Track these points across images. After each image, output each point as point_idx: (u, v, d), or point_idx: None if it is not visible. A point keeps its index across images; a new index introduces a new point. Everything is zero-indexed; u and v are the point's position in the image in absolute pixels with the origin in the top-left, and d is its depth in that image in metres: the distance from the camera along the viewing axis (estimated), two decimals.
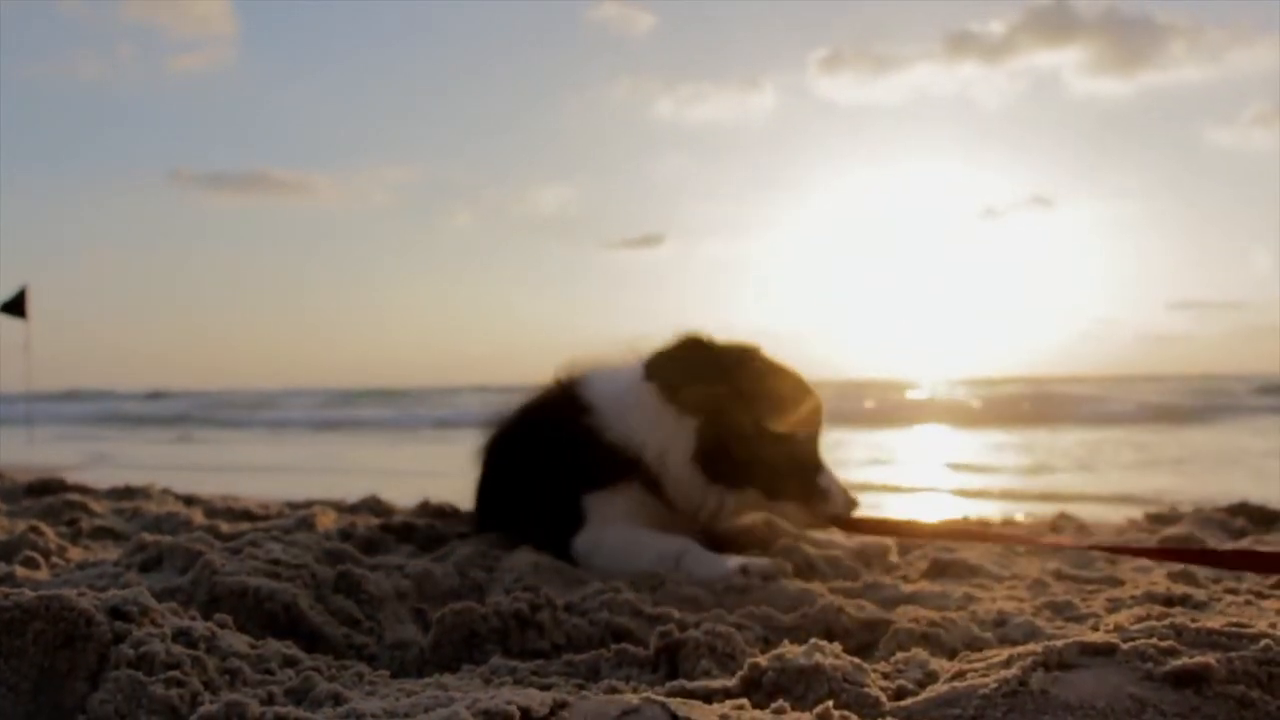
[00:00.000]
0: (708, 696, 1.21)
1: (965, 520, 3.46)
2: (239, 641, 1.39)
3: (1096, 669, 1.11)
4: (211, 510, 3.10)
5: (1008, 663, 1.16)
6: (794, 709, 1.11)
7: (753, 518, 2.45)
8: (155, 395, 34.17)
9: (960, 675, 1.17)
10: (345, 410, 22.55)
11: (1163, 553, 2.13)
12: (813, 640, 1.26)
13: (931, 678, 1.24)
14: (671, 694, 1.19)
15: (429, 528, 2.63)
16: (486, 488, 2.66)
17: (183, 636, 1.31)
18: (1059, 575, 2.17)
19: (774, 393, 2.33)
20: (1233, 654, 1.10)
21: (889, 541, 2.44)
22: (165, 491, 3.57)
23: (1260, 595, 1.85)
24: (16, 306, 11.15)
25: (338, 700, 1.22)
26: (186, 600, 1.64)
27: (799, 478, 2.36)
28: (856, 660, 1.23)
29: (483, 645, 1.58)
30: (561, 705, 1.11)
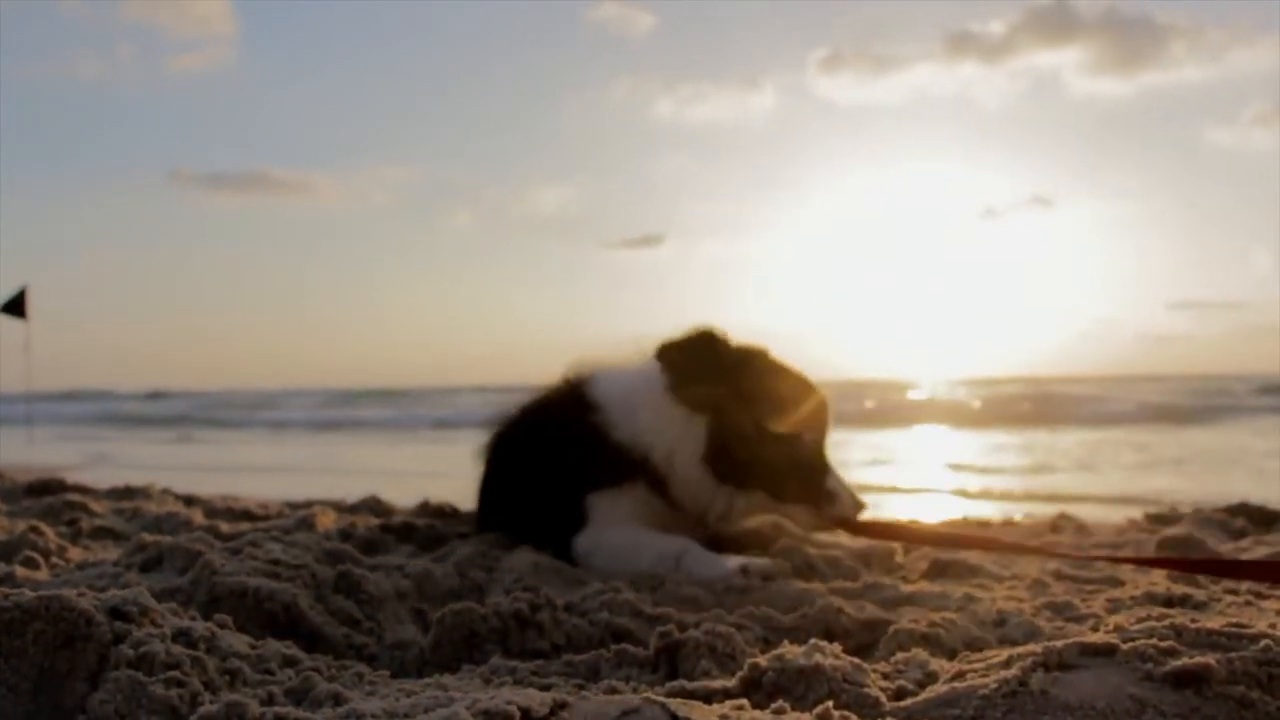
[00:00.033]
0: (708, 697, 1.21)
1: (966, 521, 3.46)
2: (239, 642, 1.39)
3: (1096, 669, 1.11)
4: (211, 510, 3.10)
5: (1007, 663, 1.16)
6: (794, 709, 1.11)
7: (759, 519, 2.45)
8: (155, 395, 34.19)
9: (960, 676, 1.17)
10: (345, 410, 22.55)
11: (1170, 563, 2.12)
12: (813, 640, 1.26)
13: (931, 678, 1.24)
14: (671, 694, 1.19)
15: (429, 528, 2.63)
16: (489, 486, 2.65)
17: (183, 637, 1.31)
18: (1059, 575, 2.17)
19: (783, 394, 2.33)
20: (1233, 654, 1.10)
21: (894, 545, 2.44)
22: (165, 492, 3.57)
23: (1260, 595, 1.85)
24: (16, 306, 11.15)
25: (338, 700, 1.22)
26: (186, 600, 1.64)
27: (807, 480, 2.35)
28: (856, 660, 1.23)
29: (483, 645, 1.58)
30: (561, 705, 1.11)
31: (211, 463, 9.89)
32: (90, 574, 1.90)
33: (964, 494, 6.03)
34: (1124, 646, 1.14)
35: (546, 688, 1.30)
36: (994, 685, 1.09)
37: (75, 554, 2.24)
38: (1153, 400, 17.95)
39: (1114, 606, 1.78)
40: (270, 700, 1.22)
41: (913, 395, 23.20)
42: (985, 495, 5.93)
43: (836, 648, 1.24)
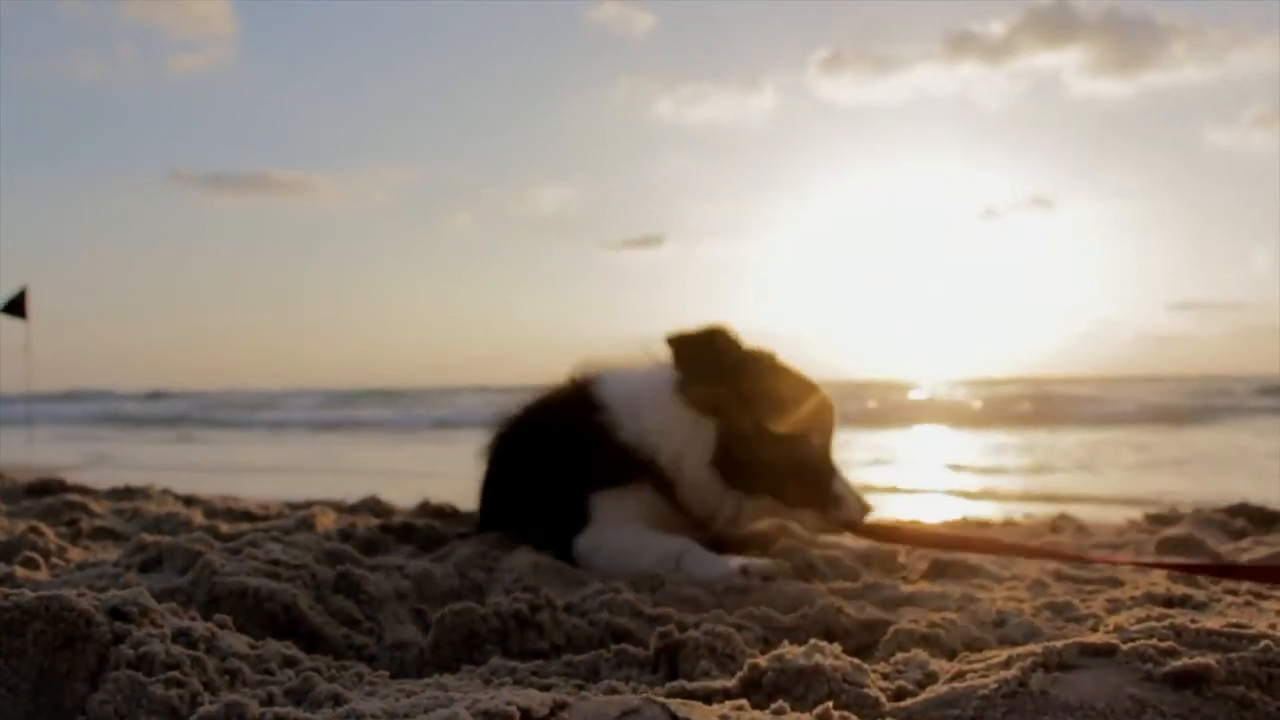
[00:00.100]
0: (707, 697, 1.21)
1: (966, 522, 3.46)
2: (239, 642, 1.39)
3: (1096, 670, 1.11)
4: (211, 511, 3.11)
5: (1007, 663, 1.16)
6: (794, 709, 1.11)
7: (766, 523, 2.45)
8: (155, 395, 34.19)
9: (960, 676, 1.17)
10: (345, 411, 22.55)
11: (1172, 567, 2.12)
12: (812, 641, 1.26)
13: (931, 678, 1.24)
14: (671, 694, 1.19)
15: (429, 528, 2.63)
16: (492, 484, 2.65)
17: (182, 637, 1.31)
18: (1059, 576, 2.17)
19: (790, 398, 2.33)
20: (1232, 655, 1.10)
21: (897, 547, 2.44)
22: (165, 492, 3.57)
23: (1260, 596, 1.85)
24: (16, 307, 11.16)
25: (337, 701, 1.22)
26: (186, 601, 1.64)
27: (815, 484, 2.36)
28: (856, 661, 1.23)
29: (482, 646, 1.58)
30: (561, 706, 1.11)
31: (211, 463, 9.89)
32: (90, 574, 1.90)
33: (964, 494, 6.03)
34: (1124, 647, 1.14)
35: (546, 688, 1.30)
36: (994, 685, 1.09)
37: (75, 554, 2.24)
38: (1153, 401, 17.95)
39: (1114, 607, 1.78)
40: (270, 700, 1.22)
41: (913, 396, 23.21)
42: (985, 496, 5.93)
43: (836, 648, 1.24)
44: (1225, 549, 2.47)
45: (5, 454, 9.47)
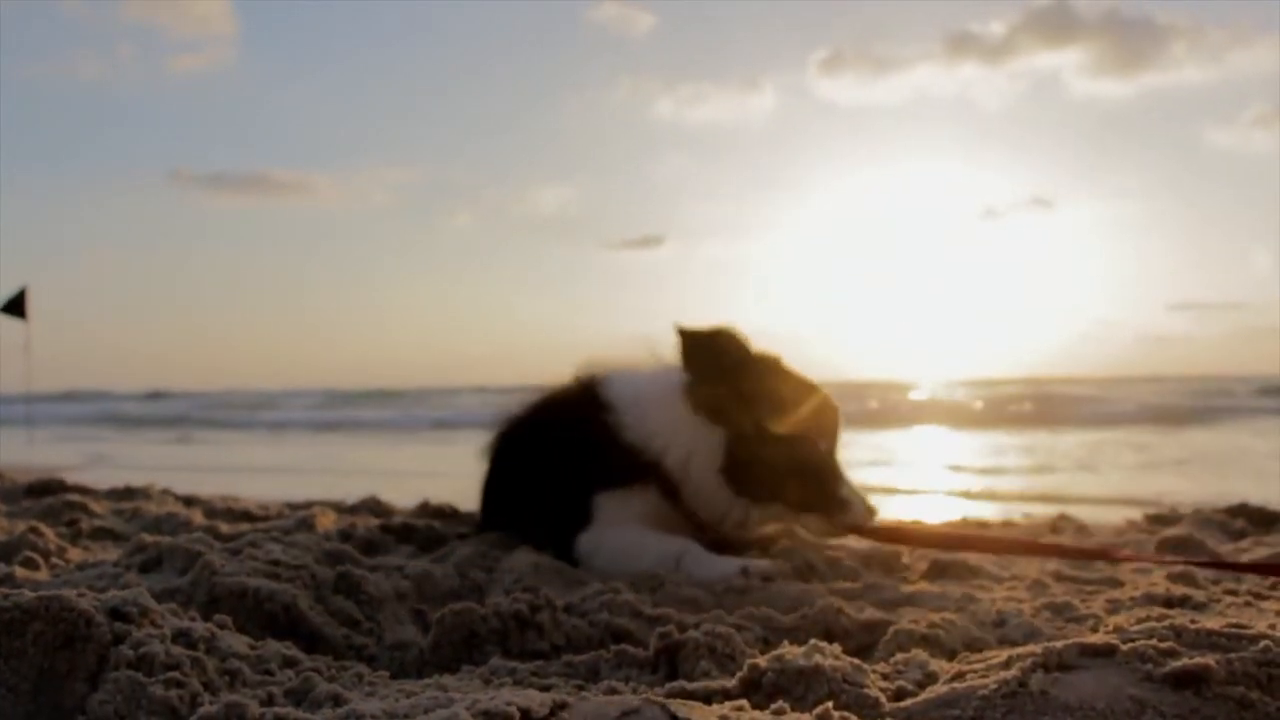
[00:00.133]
0: (707, 697, 1.21)
1: (966, 522, 3.46)
2: (239, 642, 1.39)
3: (1096, 670, 1.11)
4: (211, 511, 3.11)
5: (1007, 664, 1.16)
6: (794, 710, 1.11)
7: (771, 527, 2.45)
8: (155, 396, 34.19)
9: (960, 676, 1.17)
10: (345, 411, 22.55)
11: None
12: (812, 641, 1.26)
13: (931, 679, 1.24)
14: (671, 695, 1.19)
15: (429, 528, 2.63)
16: (494, 483, 2.64)
17: (182, 637, 1.31)
18: (1059, 576, 2.17)
19: (798, 403, 2.33)
20: (1232, 655, 1.10)
21: (902, 549, 2.44)
22: (165, 492, 3.57)
23: (1259, 596, 1.85)
24: (16, 307, 11.15)
25: (337, 701, 1.22)
26: (186, 601, 1.64)
27: (821, 489, 2.36)
28: (856, 661, 1.23)
29: (482, 646, 1.58)
30: (561, 706, 1.11)
31: (211, 463, 9.89)
32: (90, 574, 1.90)
33: (964, 495, 6.03)
34: (1124, 647, 1.14)
35: (546, 688, 1.30)
36: (994, 686, 1.09)
37: (75, 554, 2.24)
38: (1153, 401, 17.95)
39: (1114, 607, 1.78)
40: (270, 701, 1.22)
41: (913, 396, 23.21)
42: (985, 496, 5.93)
43: (836, 648, 1.24)
44: (1225, 549, 2.47)
45: (5, 454, 9.47)
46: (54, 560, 2.13)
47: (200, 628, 1.35)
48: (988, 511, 4.55)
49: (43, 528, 2.34)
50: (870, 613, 1.75)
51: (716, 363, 2.31)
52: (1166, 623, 1.23)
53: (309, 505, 3.24)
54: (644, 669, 1.43)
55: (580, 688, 1.33)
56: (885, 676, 1.26)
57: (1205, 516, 2.95)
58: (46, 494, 3.24)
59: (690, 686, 1.25)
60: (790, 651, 1.23)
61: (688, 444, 2.30)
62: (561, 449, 2.42)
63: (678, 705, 1.08)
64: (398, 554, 2.37)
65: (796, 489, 2.33)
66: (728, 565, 2.11)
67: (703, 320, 2.35)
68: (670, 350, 2.37)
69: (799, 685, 1.18)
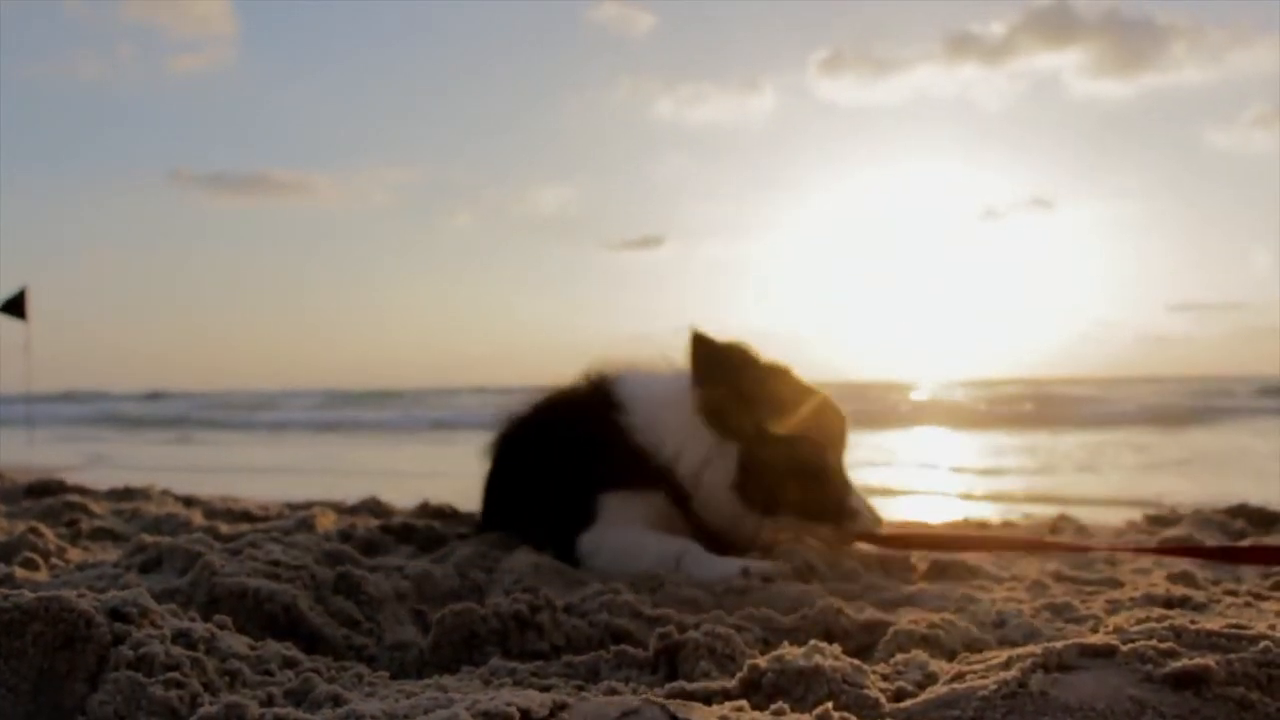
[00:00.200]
0: (707, 698, 1.21)
1: (966, 523, 3.46)
2: (238, 643, 1.39)
3: (1096, 670, 1.11)
4: (211, 511, 3.11)
5: (1007, 664, 1.16)
6: (793, 710, 1.11)
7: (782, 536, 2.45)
8: (154, 396, 34.19)
9: (959, 677, 1.17)
10: (345, 411, 22.55)
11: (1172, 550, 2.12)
12: (812, 642, 1.26)
13: (931, 679, 1.24)
14: (671, 695, 1.19)
15: (428, 529, 2.63)
16: (496, 482, 2.63)
17: (182, 638, 1.31)
18: (1058, 577, 2.17)
19: (809, 417, 2.33)
20: (1232, 656, 1.10)
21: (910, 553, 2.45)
22: (165, 493, 3.57)
23: (1259, 597, 1.85)
24: (16, 307, 11.14)
25: (337, 701, 1.21)
26: (186, 601, 1.64)
27: (831, 500, 2.37)
28: (856, 662, 1.23)
29: (482, 646, 1.58)
30: (561, 707, 1.11)
31: (211, 464, 9.89)
32: (90, 575, 1.90)
33: (964, 495, 6.03)
34: (1124, 648, 1.14)
35: (546, 689, 1.30)
36: (993, 686, 1.09)
37: (75, 555, 2.24)
38: (1153, 402, 17.96)
39: (1113, 608, 1.78)
40: (270, 701, 1.22)
41: (913, 397, 23.21)
42: (985, 497, 5.93)
43: (836, 649, 1.24)
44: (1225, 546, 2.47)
45: (5, 454, 9.47)
46: (54, 561, 2.13)
47: (200, 628, 1.35)
48: (988, 512, 4.55)
49: (42, 528, 2.34)
50: (870, 613, 1.75)
51: (726, 376, 2.30)
52: (1166, 623, 1.23)
53: (309, 506, 3.24)
54: (644, 669, 1.43)
55: (580, 688, 1.33)
56: (885, 677, 1.26)
57: (1205, 517, 2.95)
58: (46, 494, 3.24)
59: (690, 687, 1.25)
60: (790, 652, 1.23)
61: (702, 454, 2.29)
62: (568, 446, 2.40)
63: (678, 706, 1.08)
64: (398, 554, 2.37)
65: (805, 499, 2.33)
66: (728, 566, 2.11)
67: (712, 325, 2.34)
68: (679, 352, 2.36)
69: (799, 686, 1.18)
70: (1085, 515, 3.37)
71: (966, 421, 15.24)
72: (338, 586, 1.81)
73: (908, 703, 1.14)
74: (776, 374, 2.37)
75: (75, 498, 3.02)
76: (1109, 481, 6.81)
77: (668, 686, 1.27)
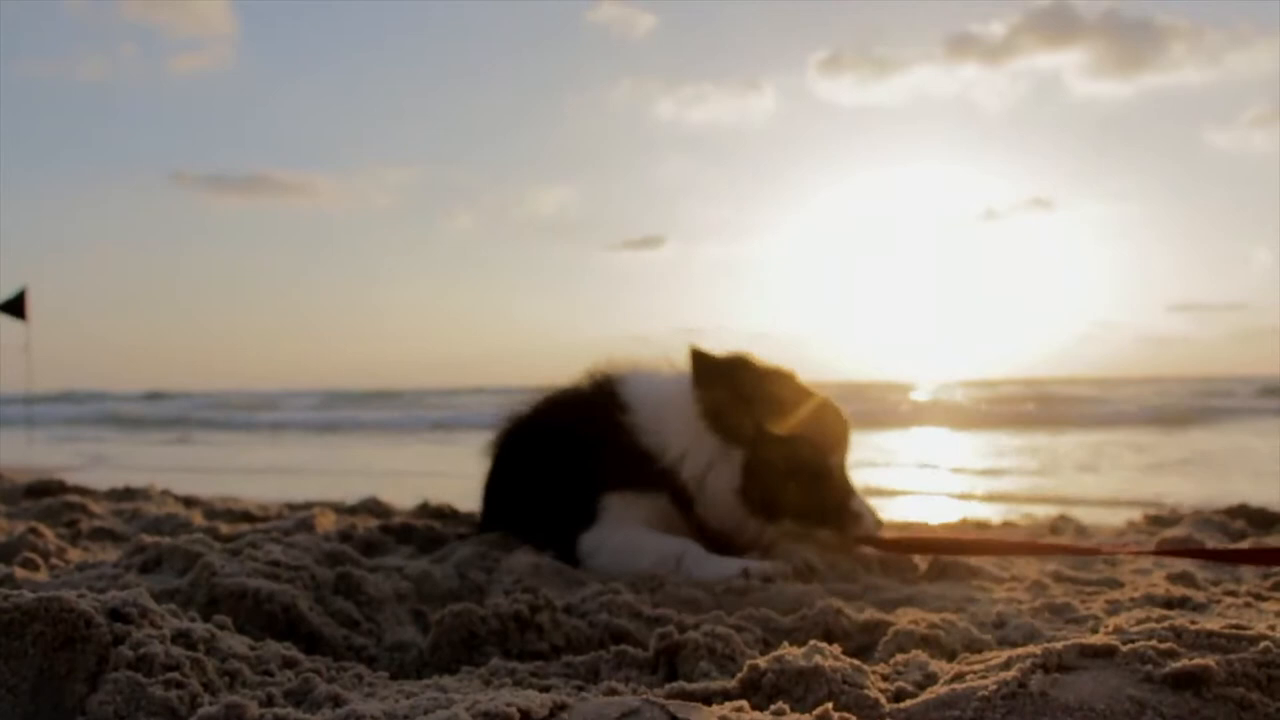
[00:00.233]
0: (707, 698, 1.21)
1: (965, 523, 3.46)
2: (238, 643, 1.39)
3: (1096, 671, 1.11)
4: (211, 512, 3.11)
5: (1007, 664, 1.16)
6: (793, 711, 1.11)
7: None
8: (154, 396, 34.18)
9: (959, 677, 1.17)
10: (345, 411, 22.55)
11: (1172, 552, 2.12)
12: (812, 642, 1.26)
13: (931, 679, 1.24)
14: (671, 695, 1.19)
15: (428, 529, 2.63)
16: (497, 481, 2.62)
17: (182, 638, 1.31)
18: (1058, 577, 2.17)
19: (814, 420, 2.33)
20: (1232, 656, 1.10)
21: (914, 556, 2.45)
22: (165, 493, 3.57)
23: (1259, 597, 1.85)
24: (16, 307, 11.14)
25: (337, 702, 1.21)
26: (186, 602, 1.64)
27: (834, 504, 2.37)
28: (856, 662, 1.23)
29: (482, 647, 1.58)
30: (561, 707, 1.11)
31: (211, 464, 9.89)
32: (90, 575, 1.90)
33: (964, 496, 6.03)
34: (1123, 648, 1.14)
35: (546, 689, 1.30)
36: (993, 687, 1.09)
37: (75, 555, 2.24)
38: (1153, 402, 17.97)
39: (1113, 608, 1.78)
40: (270, 701, 1.22)
41: (913, 397, 23.21)
42: (985, 497, 5.93)
43: (836, 649, 1.24)
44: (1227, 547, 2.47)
45: (5, 454, 9.47)
46: (54, 561, 2.13)
47: (200, 628, 1.35)
48: (988, 513, 4.55)
49: (42, 528, 2.34)
50: (870, 613, 1.75)
51: (738, 401, 2.30)
52: (1166, 624, 1.23)
53: (309, 506, 3.24)
54: (644, 669, 1.43)
55: (580, 688, 1.33)
56: (885, 677, 1.26)
57: (1205, 517, 2.95)
58: (46, 494, 3.24)
59: (690, 687, 1.25)
60: (790, 652, 1.23)
61: (707, 459, 2.29)
62: (572, 446, 2.40)
63: (677, 706, 1.08)
64: (397, 555, 2.37)
65: (807, 502, 2.33)
66: (728, 566, 2.11)
67: (712, 327, 2.35)
68: (680, 354, 2.36)
69: (799, 686, 1.18)
70: (1085, 515, 3.38)
71: (967, 422, 15.24)
72: (338, 587, 1.81)
73: (907, 703, 1.14)
74: (777, 377, 2.37)
75: (75, 498, 3.02)
76: (1109, 482, 6.81)
77: (668, 686, 1.27)
